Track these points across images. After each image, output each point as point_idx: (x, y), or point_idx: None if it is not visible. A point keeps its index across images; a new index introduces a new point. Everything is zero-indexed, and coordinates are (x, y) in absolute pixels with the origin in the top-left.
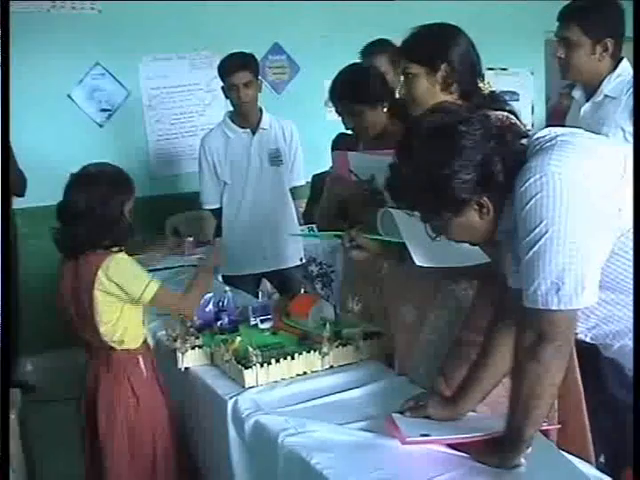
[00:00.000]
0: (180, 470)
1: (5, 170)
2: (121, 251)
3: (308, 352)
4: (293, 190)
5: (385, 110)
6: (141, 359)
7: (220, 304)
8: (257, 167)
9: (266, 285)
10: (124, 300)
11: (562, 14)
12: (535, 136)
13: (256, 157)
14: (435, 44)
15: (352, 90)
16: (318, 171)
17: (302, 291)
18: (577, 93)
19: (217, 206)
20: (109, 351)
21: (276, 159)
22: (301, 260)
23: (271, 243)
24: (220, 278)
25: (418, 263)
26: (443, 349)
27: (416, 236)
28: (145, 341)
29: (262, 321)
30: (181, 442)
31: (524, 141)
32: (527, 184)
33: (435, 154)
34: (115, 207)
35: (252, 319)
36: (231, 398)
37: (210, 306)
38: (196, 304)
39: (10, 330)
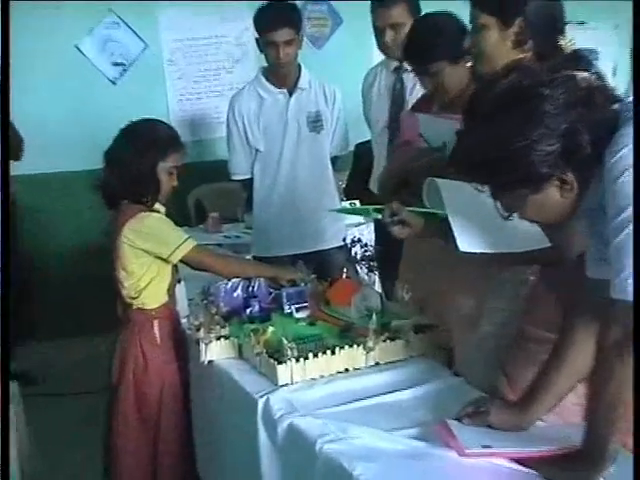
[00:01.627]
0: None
1: (5, 165)
2: (154, 210)
3: (350, 346)
4: (334, 161)
5: (468, 66)
6: (156, 324)
7: (250, 289)
8: (294, 133)
9: (302, 268)
10: (152, 257)
11: None
12: (628, 100)
13: (293, 121)
14: None
15: (424, 45)
16: (363, 139)
17: (344, 276)
18: None
19: (248, 177)
20: (127, 308)
21: (316, 124)
22: (344, 241)
23: (309, 220)
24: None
25: (462, 249)
26: (503, 344)
27: (463, 214)
28: (167, 304)
29: (298, 309)
30: (189, 439)
31: (615, 106)
32: (619, 155)
33: (511, 121)
34: (146, 162)
35: (286, 307)
36: (262, 397)
37: (239, 291)
38: (235, 272)
39: (9, 315)
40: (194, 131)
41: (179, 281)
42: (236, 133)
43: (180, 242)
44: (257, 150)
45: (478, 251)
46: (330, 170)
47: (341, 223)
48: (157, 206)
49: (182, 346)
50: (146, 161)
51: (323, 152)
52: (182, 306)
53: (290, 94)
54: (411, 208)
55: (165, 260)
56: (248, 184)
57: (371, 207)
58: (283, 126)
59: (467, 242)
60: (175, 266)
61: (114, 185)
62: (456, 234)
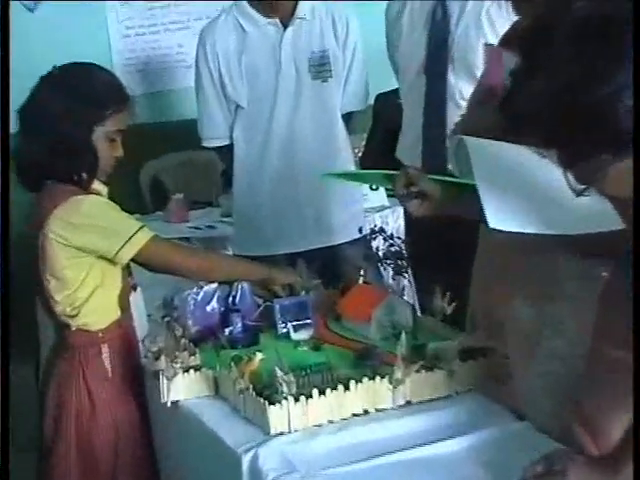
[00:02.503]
0: None
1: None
2: (92, 192)
3: (371, 379)
4: (347, 119)
5: None
6: (106, 350)
7: (230, 300)
8: (291, 81)
9: (303, 270)
10: (93, 257)
11: None
12: None
13: (289, 65)
14: None
15: None
16: (386, 89)
17: (361, 280)
18: None
19: (226, 143)
20: (64, 330)
21: (322, 69)
22: (360, 231)
23: (312, 204)
24: None
25: (492, 225)
26: (576, 370)
27: (498, 182)
28: (119, 321)
29: (297, 328)
30: None
31: None
32: None
33: (589, 63)
34: (77, 126)
35: (281, 325)
36: (248, 451)
37: (214, 303)
38: (216, 273)
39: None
40: (148, 80)
41: (134, 288)
42: (209, 81)
43: (130, 234)
44: (238, 106)
45: (516, 230)
46: (342, 133)
47: (357, 207)
48: (96, 186)
49: (141, 375)
50: (77, 124)
51: (331, 108)
52: (140, 323)
53: (285, 26)
54: (433, 176)
55: (111, 261)
56: (226, 153)
57: (381, 172)
58: (275, 71)
59: (501, 217)
60: (128, 268)
61: (33, 158)
62: (485, 207)
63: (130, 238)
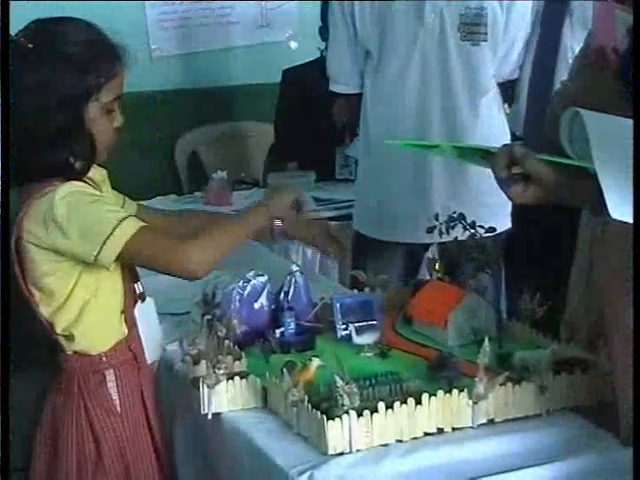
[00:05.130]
0: None
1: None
2: (82, 179)
3: (447, 392)
4: (504, 88)
5: None
6: (111, 376)
7: (282, 296)
8: (432, 39)
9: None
10: (74, 261)
11: None
12: None
13: (434, 21)
14: None
15: None
16: None
17: (434, 277)
18: None
19: (356, 91)
20: (58, 353)
21: (475, 29)
22: (436, 219)
23: (443, 191)
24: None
25: (615, 215)
26: None
27: (621, 164)
28: (126, 341)
29: (360, 330)
30: None
31: None
32: None
33: None
34: (65, 106)
35: (341, 326)
36: (301, 474)
37: (263, 299)
38: (210, 260)
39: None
40: (185, 39)
41: (141, 298)
42: (340, 17)
43: (110, 229)
44: (368, 52)
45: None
46: (497, 106)
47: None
48: (92, 174)
49: (158, 406)
50: (61, 103)
51: (484, 75)
52: (151, 343)
53: None
54: (543, 155)
55: (95, 265)
56: (353, 101)
57: (475, 147)
58: (415, 25)
59: (624, 207)
60: (132, 271)
61: (12, 149)
62: (605, 192)
63: (109, 235)
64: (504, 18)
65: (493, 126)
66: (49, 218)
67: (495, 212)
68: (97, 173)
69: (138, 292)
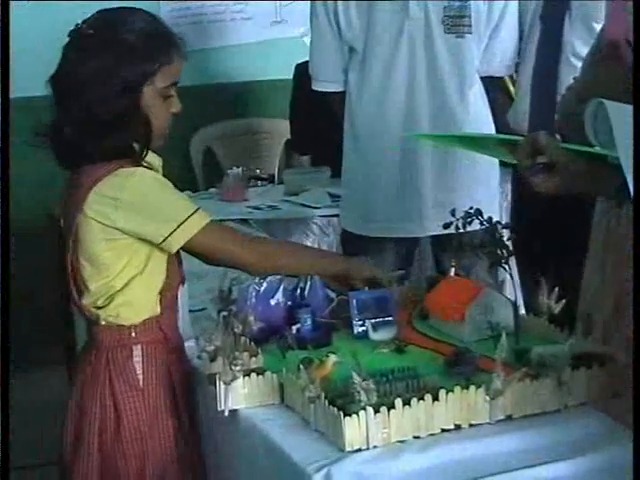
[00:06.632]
0: None
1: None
2: (144, 165)
3: (465, 388)
4: (489, 84)
5: None
6: (138, 351)
7: (298, 293)
8: (418, 32)
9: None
10: (137, 242)
11: None
12: None
13: (418, 13)
14: None
15: None
16: None
17: (452, 272)
18: None
19: (339, 89)
20: (93, 326)
21: (458, 21)
22: (453, 214)
23: (438, 183)
24: None
25: None
26: None
27: None
28: (157, 319)
29: (376, 326)
30: None
31: None
32: None
33: None
34: (122, 89)
35: (357, 322)
36: (319, 470)
37: (279, 296)
38: (280, 268)
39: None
40: (200, 35)
41: (182, 282)
42: (323, 15)
43: (183, 218)
44: (352, 49)
45: None
46: (483, 100)
47: (491, 188)
48: (149, 158)
49: (187, 391)
50: (118, 86)
51: (469, 71)
52: (184, 323)
53: None
54: (568, 144)
55: (159, 247)
56: (339, 103)
57: (496, 137)
58: (401, 17)
59: None
60: (177, 256)
61: (68, 133)
62: (630, 182)
63: (182, 223)
64: (486, 12)
65: (481, 117)
66: (121, 199)
67: (483, 206)
68: (156, 160)
69: (181, 276)
